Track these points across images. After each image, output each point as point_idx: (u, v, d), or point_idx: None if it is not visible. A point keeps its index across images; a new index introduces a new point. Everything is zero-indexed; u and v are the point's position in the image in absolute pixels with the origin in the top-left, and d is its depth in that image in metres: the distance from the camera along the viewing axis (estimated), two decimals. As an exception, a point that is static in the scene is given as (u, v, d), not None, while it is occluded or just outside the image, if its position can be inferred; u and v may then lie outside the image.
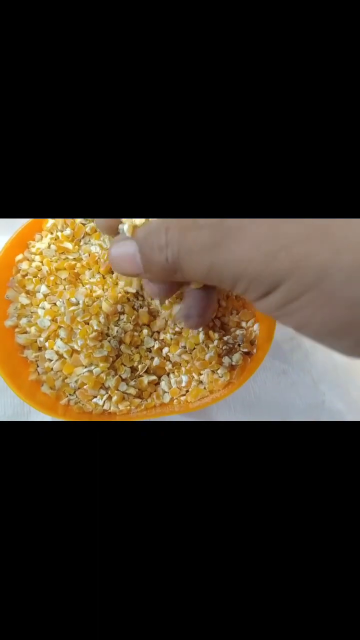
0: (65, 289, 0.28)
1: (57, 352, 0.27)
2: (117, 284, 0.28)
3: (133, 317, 0.28)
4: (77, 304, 0.27)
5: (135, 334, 0.28)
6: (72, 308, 0.27)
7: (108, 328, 0.27)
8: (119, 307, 0.27)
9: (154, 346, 0.28)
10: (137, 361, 0.28)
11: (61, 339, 0.27)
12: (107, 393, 0.27)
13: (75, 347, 0.27)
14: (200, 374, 0.28)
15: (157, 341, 0.29)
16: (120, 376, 0.27)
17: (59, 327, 0.27)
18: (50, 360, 0.27)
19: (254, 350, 0.29)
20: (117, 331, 0.27)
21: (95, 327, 0.26)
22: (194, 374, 0.28)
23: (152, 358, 0.28)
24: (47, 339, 0.27)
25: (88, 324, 0.27)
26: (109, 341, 0.27)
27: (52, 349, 0.27)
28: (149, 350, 0.29)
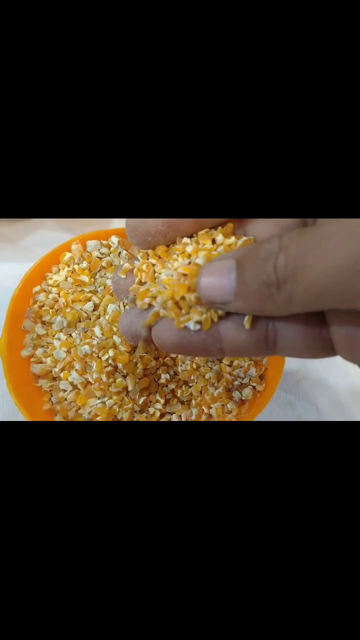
0: (81, 321, 0.29)
1: (71, 383, 0.28)
2: None
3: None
4: (93, 337, 0.28)
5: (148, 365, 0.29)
6: (87, 341, 0.28)
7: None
8: None
9: (167, 378, 0.29)
10: (150, 393, 0.29)
11: (76, 370, 0.27)
12: (119, 425, 0.28)
13: (90, 379, 0.27)
14: (210, 408, 0.29)
15: (168, 374, 0.29)
16: (132, 408, 0.28)
17: (74, 359, 0.28)
18: (65, 391, 0.28)
19: (263, 385, 0.29)
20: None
21: (111, 362, 0.27)
22: (203, 407, 0.29)
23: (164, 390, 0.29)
24: (62, 369, 0.28)
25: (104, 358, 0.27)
26: (124, 376, 0.27)
27: (66, 379, 0.28)
28: (164, 385, 0.29)
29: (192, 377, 0.29)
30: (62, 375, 0.28)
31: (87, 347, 0.27)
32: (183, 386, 0.29)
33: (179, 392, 0.29)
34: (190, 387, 0.29)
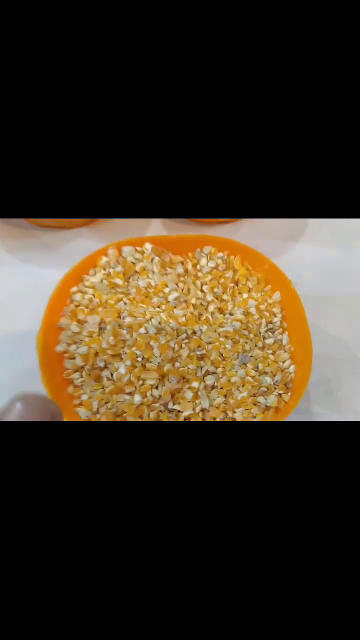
0: (112, 320, 0.30)
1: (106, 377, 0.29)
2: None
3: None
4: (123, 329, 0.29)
5: (177, 365, 0.30)
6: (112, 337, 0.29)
7: (147, 360, 0.29)
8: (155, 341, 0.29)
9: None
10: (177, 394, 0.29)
11: (106, 367, 0.28)
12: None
13: (121, 372, 0.28)
14: (234, 412, 0.29)
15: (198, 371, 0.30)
16: (158, 408, 0.29)
17: (106, 351, 0.29)
18: (95, 390, 0.29)
19: (289, 393, 0.29)
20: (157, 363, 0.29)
21: (138, 359, 0.28)
22: (227, 412, 0.29)
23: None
24: (92, 366, 0.29)
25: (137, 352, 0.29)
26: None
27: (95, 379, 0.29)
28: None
29: (219, 381, 0.30)
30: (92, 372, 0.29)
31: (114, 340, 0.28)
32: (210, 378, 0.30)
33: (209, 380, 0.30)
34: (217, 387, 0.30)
